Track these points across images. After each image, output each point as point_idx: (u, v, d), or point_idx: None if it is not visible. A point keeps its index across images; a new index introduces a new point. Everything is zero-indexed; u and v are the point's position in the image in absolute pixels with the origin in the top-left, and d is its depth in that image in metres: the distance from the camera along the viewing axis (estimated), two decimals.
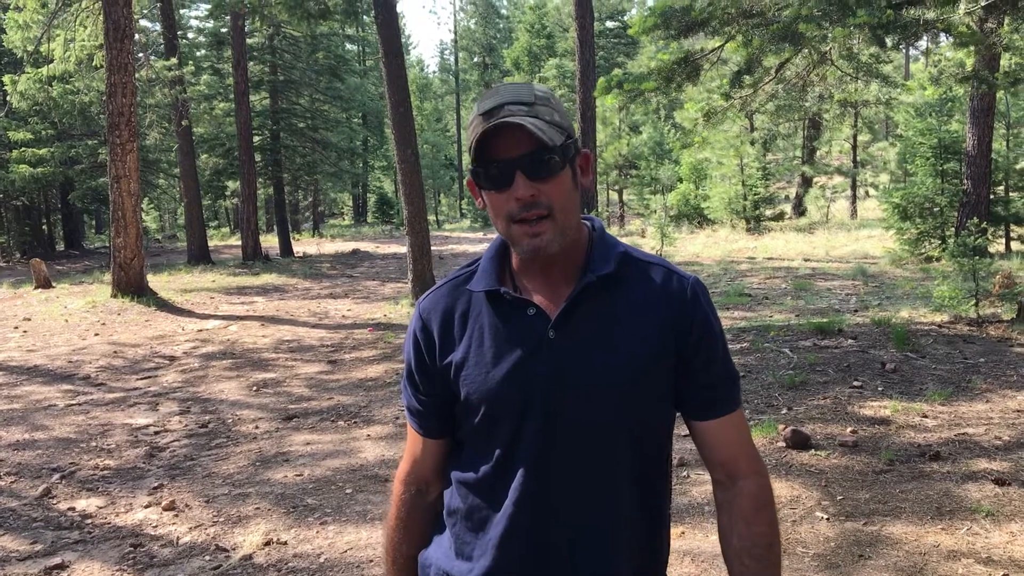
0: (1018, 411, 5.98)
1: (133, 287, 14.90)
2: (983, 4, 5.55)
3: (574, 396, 1.50)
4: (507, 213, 1.46)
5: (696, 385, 1.56)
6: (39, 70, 18.81)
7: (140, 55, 21.02)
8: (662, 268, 1.58)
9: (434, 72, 78.63)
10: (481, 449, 1.58)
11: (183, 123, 22.83)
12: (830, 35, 6.05)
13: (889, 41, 5.70)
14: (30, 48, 18.42)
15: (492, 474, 1.56)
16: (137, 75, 17.38)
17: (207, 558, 4.27)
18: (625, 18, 51.76)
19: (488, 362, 1.53)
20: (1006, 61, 13.00)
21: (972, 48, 7.17)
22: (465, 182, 1.58)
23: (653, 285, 1.56)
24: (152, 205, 39.46)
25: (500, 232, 1.52)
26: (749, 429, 1.65)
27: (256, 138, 27.55)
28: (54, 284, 18.19)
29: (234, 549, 4.36)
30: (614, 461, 1.53)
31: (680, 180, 31.54)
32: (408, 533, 1.72)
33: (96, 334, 11.85)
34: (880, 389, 6.73)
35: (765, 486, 1.58)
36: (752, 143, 27.38)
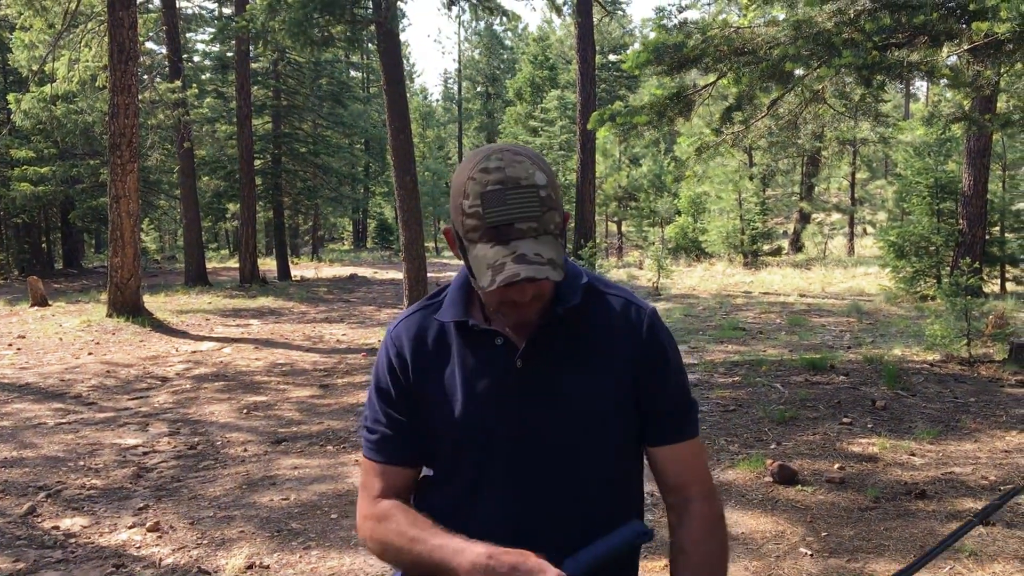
0: (1006, 451, 5.99)
1: (129, 307, 14.92)
2: (966, 48, 5.64)
3: (541, 425, 1.53)
4: (500, 299, 1.48)
5: (652, 412, 1.59)
6: (43, 89, 18.94)
7: (144, 77, 21.19)
8: (621, 299, 1.62)
9: (437, 100, 79.14)
10: (450, 476, 1.60)
11: (185, 145, 22.96)
12: (816, 74, 6.15)
13: (875, 81, 5.78)
14: (35, 67, 18.57)
15: (461, 502, 1.57)
16: (140, 97, 17.50)
17: None
18: (628, 52, 52.22)
19: (457, 391, 1.55)
20: (1003, 103, 13.13)
21: (965, 91, 7.27)
22: (443, 230, 1.61)
23: (614, 314, 1.59)
24: (152, 226, 39.47)
25: (482, 294, 1.52)
26: (705, 456, 1.68)
27: (257, 162, 27.68)
28: (50, 302, 18.19)
29: (216, 572, 4.35)
30: (582, 487, 1.56)
31: (679, 213, 31.71)
32: (419, 512, 1.59)
33: (90, 353, 11.85)
34: (869, 426, 6.74)
35: (716, 510, 1.61)
36: (751, 178, 27.56)
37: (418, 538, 1.50)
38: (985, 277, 16.04)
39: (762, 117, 8.09)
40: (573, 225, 24.99)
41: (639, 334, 1.59)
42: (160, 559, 4.54)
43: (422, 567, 1.49)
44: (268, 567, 4.40)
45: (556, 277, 1.40)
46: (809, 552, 4.37)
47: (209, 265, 27.73)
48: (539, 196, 1.42)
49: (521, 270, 1.38)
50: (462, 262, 1.52)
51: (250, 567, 4.39)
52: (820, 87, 7.47)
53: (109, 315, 14.92)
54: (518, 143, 1.55)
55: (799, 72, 6.79)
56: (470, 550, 1.42)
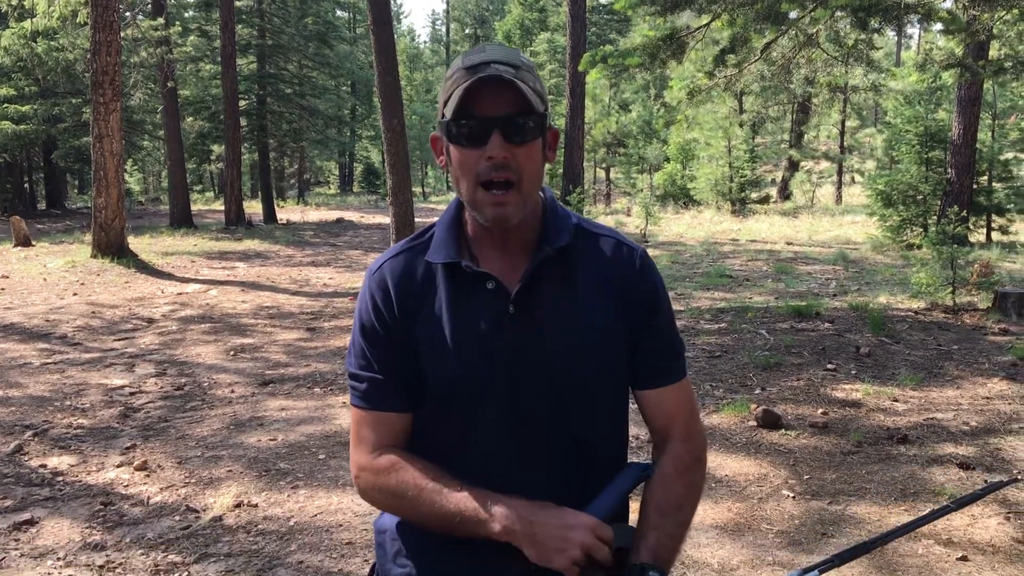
0: (987, 398, 6.06)
1: (113, 248, 14.81)
2: None
3: (535, 370, 1.50)
4: (476, 172, 1.43)
5: (642, 355, 1.57)
6: (23, 24, 18.55)
7: (126, 14, 20.77)
8: (612, 239, 1.59)
9: (425, 42, 78.13)
10: (440, 423, 1.55)
11: (168, 84, 22.60)
12: (811, 17, 6.08)
13: (871, 25, 5.71)
14: (14, 2, 18.15)
15: (451, 448, 1.54)
16: (123, 34, 17.17)
17: (177, 518, 4.28)
18: None
19: (448, 337, 1.51)
20: (995, 51, 13.05)
21: (959, 36, 7.21)
22: (430, 137, 1.56)
23: (604, 256, 1.56)
24: (136, 167, 39.09)
25: (463, 195, 1.49)
26: (693, 399, 1.66)
27: (242, 102, 27.31)
28: (34, 243, 18.04)
29: (204, 510, 4.38)
30: (574, 432, 1.53)
31: (667, 160, 31.57)
32: (429, 461, 1.52)
33: (74, 294, 11.78)
34: (853, 372, 6.80)
35: (693, 453, 1.60)
36: (741, 125, 27.40)
37: (441, 488, 1.46)
38: (971, 226, 16.10)
39: (755, 61, 8.00)
40: (561, 171, 24.85)
41: (632, 276, 1.56)
42: (148, 497, 4.56)
43: (445, 518, 1.45)
44: (256, 505, 4.43)
45: (525, 90, 1.40)
46: (791, 494, 4.43)
47: (194, 207, 27.52)
48: (519, 58, 1.45)
49: (487, 73, 1.39)
50: (445, 207, 1.49)
51: (238, 505, 4.42)
52: (815, 30, 7.38)
53: (94, 256, 14.80)
54: None
55: (794, 14, 6.72)
56: (505, 500, 1.42)
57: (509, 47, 1.47)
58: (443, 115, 1.45)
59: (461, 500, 1.44)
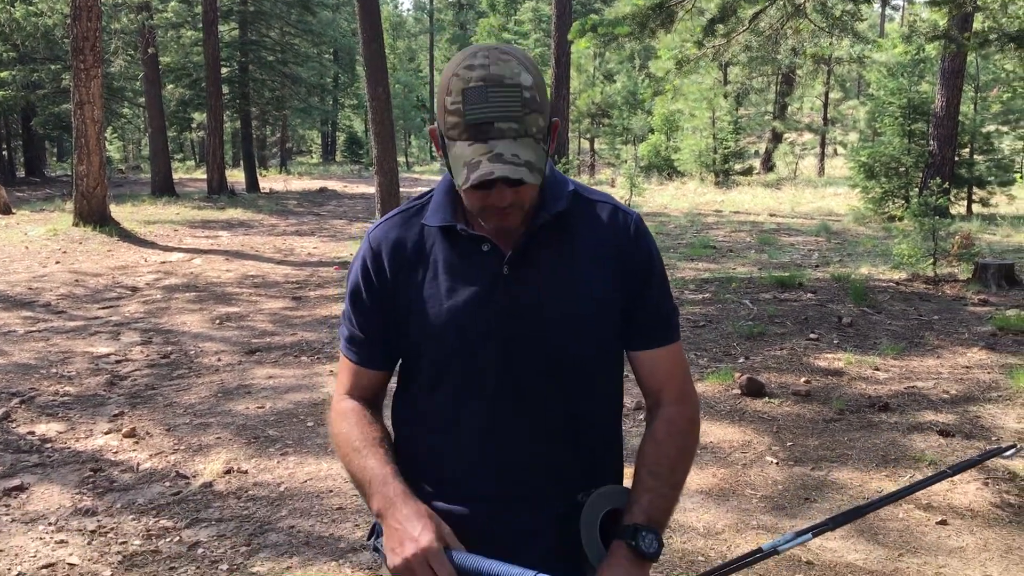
0: (967, 367, 6.15)
1: (95, 216, 14.69)
2: None
3: (528, 331, 1.51)
4: (480, 203, 1.44)
5: (636, 318, 1.59)
6: None
7: None
8: (608, 205, 1.61)
9: (408, 10, 77.35)
10: (433, 385, 1.58)
11: (149, 51, 22.32)
12: None
13: None
14: None
15: (446, 411, 1.57)
16: None
17: (167, 484, 4.31)
18: None
19: (443, 297, 1.53)
20: (979, 23, 13.08)
21: (944, 8, 7.23)
22: (427, 130, 1.55)
23: (600, 222, 1.58)
24: (116, 135, 38.65)
25: (463, 197, 1.48)
26: (686, 363, 1.69)
27: (224, 70, 27.02)
28: (14, 211, 17.87)
29: (194, 476, 4.41)
30: (568, 393, 1.55)
31: (652, 131, 31.51)
32: (374, 421, 1.62)
33: (57, 262, 11.71)
34: (835, 342, 6.88)
35: (685, 416, 1.62)
36: (725, 96, 27.36)
37: (359, 450, 1.55)
38: (953, 198, 16.22)
39: (743, 31, 8.00)
40: None
41: (627, 241, 1.58)
42: (138, 464, 4.59)
43: (351, 478, 1.57)
44: (246, 472, 4.46)
45: (532, 180, 1.37)
46: (775, 460, 4.50)
47: (175, 176, 27.28)
48: (522, 97, 1.38)
49: (495, 169, 1.35)
50: (445, 169, 1.48)
51: (228, 472, 4.45)
52: (802, 0, 7.38)
53: (75, 224, 14.69)
54: (509, 44, 1.50)
55: None
56: (393, 487, 1.47)
57: (511, 79, 1.38)
58: (445, 122, 1.41)
59: (361, 469, 1.53)
